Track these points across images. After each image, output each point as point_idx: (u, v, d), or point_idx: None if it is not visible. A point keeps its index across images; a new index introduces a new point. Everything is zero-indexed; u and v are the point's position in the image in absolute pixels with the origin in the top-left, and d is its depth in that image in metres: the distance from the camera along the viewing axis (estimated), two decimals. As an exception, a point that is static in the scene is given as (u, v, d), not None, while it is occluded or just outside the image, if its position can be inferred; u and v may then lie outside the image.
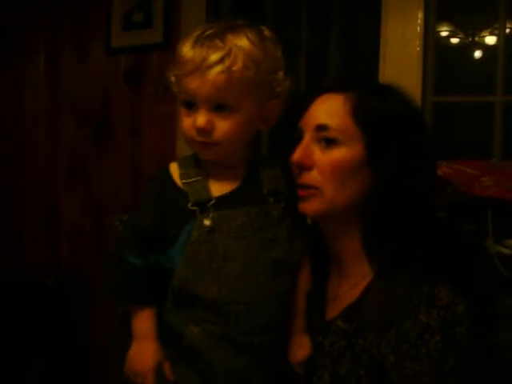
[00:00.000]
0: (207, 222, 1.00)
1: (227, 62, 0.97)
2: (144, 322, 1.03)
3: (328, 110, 1.03)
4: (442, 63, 2.11)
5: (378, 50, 2.07)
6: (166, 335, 1.04)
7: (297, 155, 1.03)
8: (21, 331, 2.49)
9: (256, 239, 1.02)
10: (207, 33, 1.00)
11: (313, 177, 1.02)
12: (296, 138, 1.06)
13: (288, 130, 1.11)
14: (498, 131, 1.96)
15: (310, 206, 1.03)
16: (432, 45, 2.06)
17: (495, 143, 1.96)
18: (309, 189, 1.03)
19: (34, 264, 2.81)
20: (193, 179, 1.04)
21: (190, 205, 1.01)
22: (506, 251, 1.50)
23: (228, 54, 0.97)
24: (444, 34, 2.28)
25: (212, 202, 1.02)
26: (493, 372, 1.00)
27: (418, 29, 2.00)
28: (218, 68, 0.96)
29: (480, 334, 0.95)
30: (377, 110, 1.02)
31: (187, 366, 1.03)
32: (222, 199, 1.03)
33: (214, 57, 0.97)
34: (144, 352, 1.02)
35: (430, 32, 2.05)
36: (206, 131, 1.00)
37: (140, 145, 2.56)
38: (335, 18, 2.33)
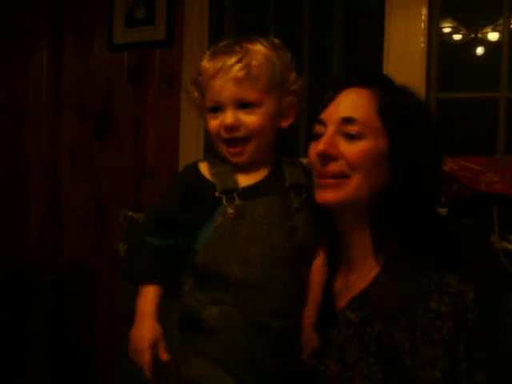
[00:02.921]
0: (231, 209, 1.07)
1: (245, 61, 1.07)
2: (148, 301, 1.08)
3: (353, 104, 1.06)
4: (445, 59, 2.11)
5: (382, 46, 2.07)
6: (182, 319, 1.11)
7: (322, 145, 1.06)
8: (22, 327, 2.49)
9: (277, 226, 1.09)
10: (223, 44, 1.11)
11: (341, 165, 1.05)
12: (316, 130, 1.09)
13: (309, 123, 1.14)
14: (502, 127, 1.96)
15: (332, 195, 1.05)
16: (436, 41, 2.06)
17: (499, 139, 1.96)
18: (337, 178, 1.05)
19: (36, 259, 2.81)
20: (220, 170, 1.12)
21: (217, 194, 1.08)
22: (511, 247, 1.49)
23: (246, 55, 1.08)
24: (446, 30, 2.27)
25: (238, 191, 1.09)
26: (498, 362, 1.01)
27: (422, 25, 2.00)
28: (238, 66, 1.07)
29: (487, 322, 0.97)
30: (402, 107, 1.06)
31: (201, 351, 1.08)
32: (247, 189, 1.10)
33: (234, 58, 1.08)
34: (142, 330, 1.06)
35: (433, 28, 2.05)
36: (234, 127, 1.08)
37: (143, 140, 2.57)
38: (338, 14, 2.32)
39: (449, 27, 2.27)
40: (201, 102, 1.15)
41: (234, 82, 1.07)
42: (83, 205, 2.73)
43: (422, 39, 2.01)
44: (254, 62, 1.07)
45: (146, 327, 1.06)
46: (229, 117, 1.08)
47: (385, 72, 2.04)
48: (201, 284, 1.10)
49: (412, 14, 2.01)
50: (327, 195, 1.06)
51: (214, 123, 1.11)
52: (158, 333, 1.06)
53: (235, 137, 1.10)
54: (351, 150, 1.04)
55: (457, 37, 2.32)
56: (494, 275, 1.46)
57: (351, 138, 1.04)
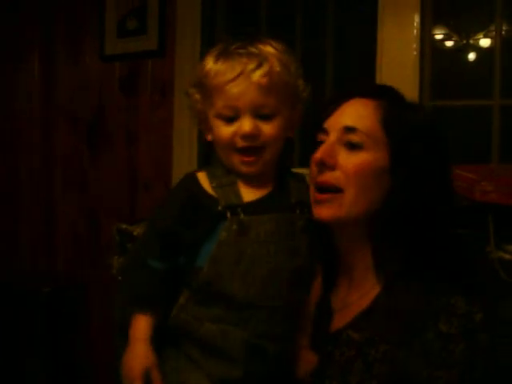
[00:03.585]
0: (236, 225, 1.02)
1: (266, 66, 1.01)
2: (142, 326, 1.03)
3: (357, 113, 1.04)
4: (438, 66, 2.10)
5: (375, 53, 2.07)
6: (175, 331, 1.05)
7: (320, 153, 1.03)
8: (17, 340, 2.47)
9: (282, 246, 1.04)
10: (235, 45, 1.04)
11: (336, 177, 1.02)
12: (319, 138, 1.07)
13: (312, 132, 1.11)
14: (495, 135, 1.95)
15: (327, 211, 1.03)
16: (428, 48, 2.06)
17: (493, 147, 1.95)
18: (329, 192, 1.02)
19: (30, 272, 2.79)
20: (224, 184, 1.06)
21: (220, 208, 1.03)
22: (507, 256, 1.49)
23: (265, 59, 1.02)
24: (438, 36, 2.27)
25: (242, 206, 1.04)
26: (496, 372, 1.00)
27: (415, 32, 2.00)
28: (261, 71, 1.00)
29: (494, 340, 0.96)
30: (405, 120, 1.03)
31: (195, 361, 1.04)
32: (251, 204, 1.05)
33: (255, 62, 1.01)
34: (135, 357, 1.02)
35: (426, 35, 2.05)
36: (253, 136, 1.02)
37: (136, 151, 2.55)
38: (330, 20, 2.32)
39: (440, 34, 2.27)
40: (203, 106, 1.08)
41: (256, 88, 1.00)
42: (76, 217, 2.71)
43: (414, 46, 2.01)
44: (275, 68, 1.02)
45: (138, 354, 1.01)
46: (248, 125, 1.01)
47: (378, 80, 2.04)
48: (201, 301, 1.05)
49: (404, 21, 2.01)
50: (322, 211, 1.03)
51: (227, 130, 1.04)
52: (152, 360, 1.01)
53: (251, 146, 1.03)
54: (350, 160, 1.01)
55: (449, 43, 2.32)
56: (491, 285, 1.45)
57: (352, 147, 1.01)
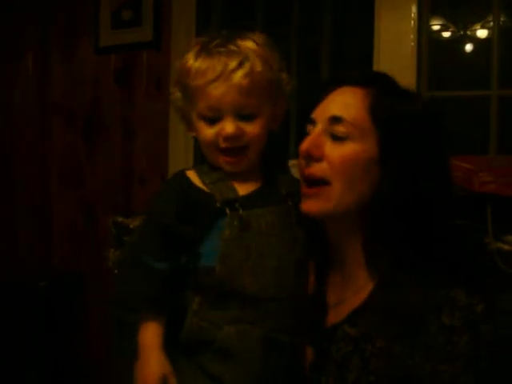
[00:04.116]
0: (237, 220, 1.00)
1: (247, 66, 0.99)
2: (151, 333, 1.00)
3: (344, 102, 1.00)
4: (435, 57, 2.10)
5: (372, 45, 2.06)
6: (190, 341, 1.01)
7: (306, 144, 1.00)
8: (14, 335, 2.46)
9: (284, 237, 1.04)
10: (215, 42, 1.02)
11: (322, 168, 0.98)
12: (307, 129, 1.04)
13: (301, 122, 1.09)
14: (493, 126, 1.95)
15: (315, 205, 1.00)
16: (426, 39, 2.06)
17: (491, 138, 1.95)
18: (316, 185, 0.99)
19: (27, 266, 2.78)
20: (217, 180, 1.05)
21: (218, 204, 1.01)
22: (506, 247, 1.49)
23: (246, 58, 1.00)
24: (435, 27, 2.26)
25: (239, 200, 1.03)
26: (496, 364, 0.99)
27: (412, 23, 2.00)
28: (241, 72, 0.99)
29: (496, 332, 0.94)
30: (395, 108, 0.98)
31: (210, 374, 1.01)
32: (247, 198, 1.04)
33: (235, 61, 0.99)
34: (150, 365, 0.98)
35: (423, 26, 2.04)
36: (235, 137, 1.01)
37: (132, 144, 2.54)
38: (327, 13, 2.30)
39: (438, 25, 2.26)
40: (185, 105, 1.06)
41: (237, 90, 0.98)
42: (73, 211, 2.70)
43: (412, 38, 2.00)
44: (256, 68, 1.00)
45: (152, 362, 0.98)
46: (230, 127, 1.00)
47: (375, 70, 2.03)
48: (215, 303, 1.01)
49: (402, 12, 2.01)
50: (310, 205, 1.00)
51: (209, 132, 1.03)
52: (168, 367, 0.98)
53: (234, 147, 1.03)
54: (336, 152, 0.97)
55: (446, 34, 2.31)
56: (490, 277, 1.45)
57: (338, 137, 0.97)
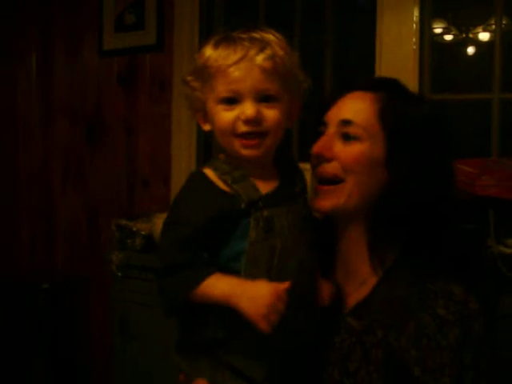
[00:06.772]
0: (263, 222, 0.99)
1: (270, 50, 0.99)
2: (220, 279, 0.97)
3: (355, 106, 1.06)
4: (437, 60, 2.10)
5: (374, 48, 2.06)
6: (210, 342, 1.00)
7: (317, 147, 1.06)
8: (17, 337, 2.47)
9: (303, 236, 1.04)
10: (234, 33, 1.01)
11: (334, 166, 1.04)
12: (320, 131, 1.08)
13: (314, 125, 1.12)
14: (495, 129, 1.95)
15: (328, 202, 1.05)
16: (428, 42, 2.05)
17: (493, 141, 1.95)
18: (330, 183, 1.04)
19: (29, 268, 2.79)
20: (239, 180, 1.02)
21: (243, 205, 0.99)
22: (508, 251, 1.49)
23: (268, 44, 0.99)
24: (437, 30, 2.27)
25: (262, 199, 1.01)
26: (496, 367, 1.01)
27: (414, 26, 2.00)
28: (264, 55, 0.98)
29: (489, 331, 0.97)
30: (403, 113, 1.04)
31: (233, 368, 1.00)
32: (269, 197, 1.02)
33: (257, 46, 0.98)
34: (255, 290, 0.94)
35: (425, 29, 2.04)
36: (255, 120, 0.98)
37: (135, 146, 2.55)
38: (329, 15, 2.31)
39: (440, 28, 2.27)
40: (202, 92, 1.03)
41: (259, 71, 0.97)
42: (75, 213, 2.71)
43: (414, 40, 2.00)
44: (278, 53, 0.99)
45: (254, 292, 0.93)
46: (251, 109, 0.97)
47: (377, 73, 2.04)
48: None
49: (404, 15, 2.01)
50: (323, 202, 1.05)
51: (228, 116, 0.99)
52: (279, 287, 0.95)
53: (254, 131, 0.99)
54: (345, 151, 1.03)
55: (448, 37, 2.32)
56: (491, 280, 1.45)
57: (347, 138, 1.03)
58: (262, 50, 0.98)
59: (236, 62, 0.97)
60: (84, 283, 2.62)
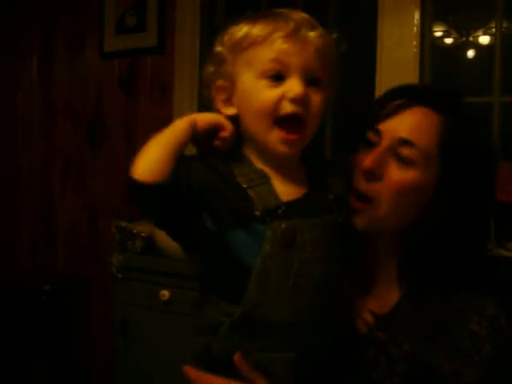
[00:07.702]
0: (280, 234, 0.86)
1: (320, 29, 0.89)
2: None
3: (419, 127, 0.97)
4: (437, 63, 2.10)
5: (375, 51, 2.07)
6: (221, 361, 0.89)
7: (370, 162, 0.97)
8: (17, 338, 2.47)
9: (330, 251, 0.91)
10: (282, 9, 0.91)
11: (377, 189, 0.96)
12: (371, 140, 1.00)
13: (360, 131, 1.03)
14: (495, 132, 1.95)
15: (362, 221, 0.99)
16: (428, 45, 2.06)
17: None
18: (365, 202, 0.98)
19: (30, 269, 2.79)
20: (255, 183, 0.88)
21: (258, 212, 0.86)
22: (509, 254, 1.49)
23: (316, 24, 0.90)
24: (438, 34, 2.27)
25: (282, 208, 0.87)
26: None
27: (415, 29, 2.00)
28: (317, 32, 0.88)
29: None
30: (464, 141, 0.97)
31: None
32: (291, 205, 0.88)
33: (308, 23, 0.88)
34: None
35: (426, 33, 2.05)
36: (303, 102, 0.87)
37: (135, 149, 2.51)
38: (331, 18, 2.31)
39: (440, 31, 2.27)
40: (236, 66, 0.89)
41: (313, 48, 0.86)
42: (76, 214, 2.71)
43: (414, 43, 2.01)
44: (327, 34, 0.90)
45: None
46: (299, 86, 0.85)
47: (378, 77, 2.05)
48: (246, 330, 0.88)
49: (404, 18, 2.01)
50: (359, 220, 0.99)
51: (271, 93, 0.86)
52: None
53: (297, 114, 0.87)
54: (399, 175, 0.95)
55: (448, 40, 2.32)
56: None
57: (402, 161, 0.95)
58: (313, 27, 0.88)
59: (288, 35, 0.86)
60: (84, 284, 2.62)
